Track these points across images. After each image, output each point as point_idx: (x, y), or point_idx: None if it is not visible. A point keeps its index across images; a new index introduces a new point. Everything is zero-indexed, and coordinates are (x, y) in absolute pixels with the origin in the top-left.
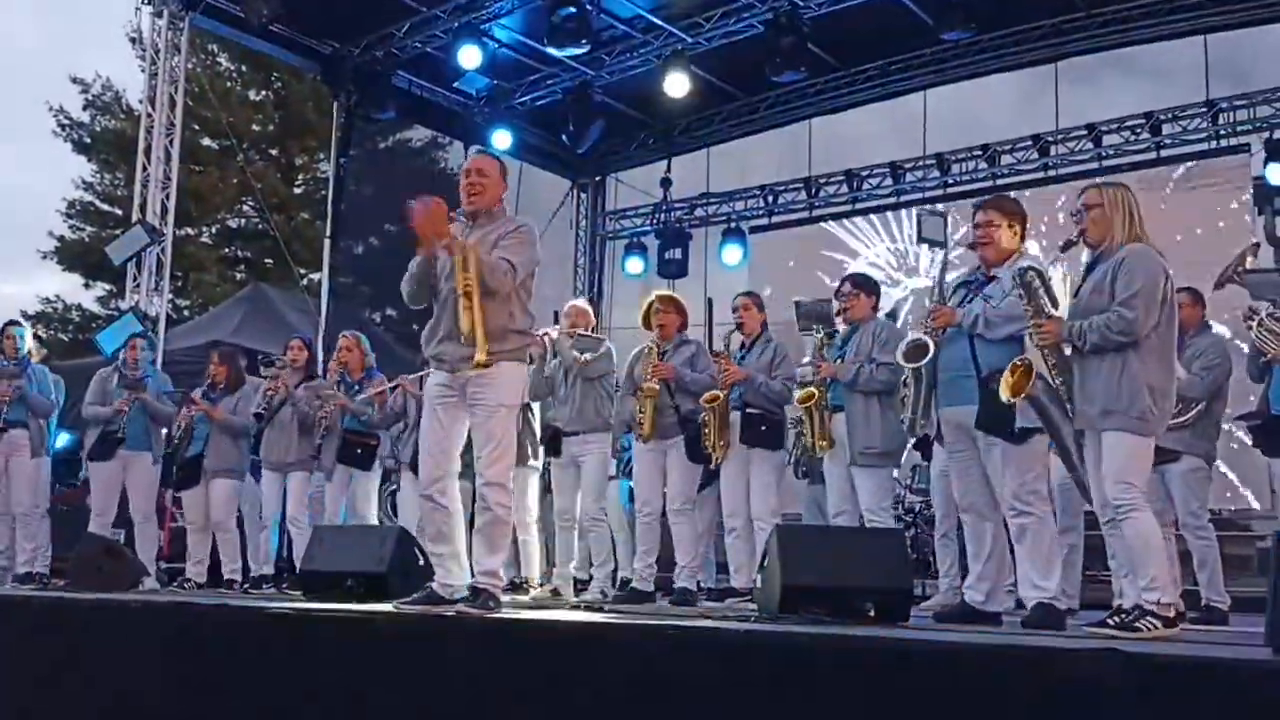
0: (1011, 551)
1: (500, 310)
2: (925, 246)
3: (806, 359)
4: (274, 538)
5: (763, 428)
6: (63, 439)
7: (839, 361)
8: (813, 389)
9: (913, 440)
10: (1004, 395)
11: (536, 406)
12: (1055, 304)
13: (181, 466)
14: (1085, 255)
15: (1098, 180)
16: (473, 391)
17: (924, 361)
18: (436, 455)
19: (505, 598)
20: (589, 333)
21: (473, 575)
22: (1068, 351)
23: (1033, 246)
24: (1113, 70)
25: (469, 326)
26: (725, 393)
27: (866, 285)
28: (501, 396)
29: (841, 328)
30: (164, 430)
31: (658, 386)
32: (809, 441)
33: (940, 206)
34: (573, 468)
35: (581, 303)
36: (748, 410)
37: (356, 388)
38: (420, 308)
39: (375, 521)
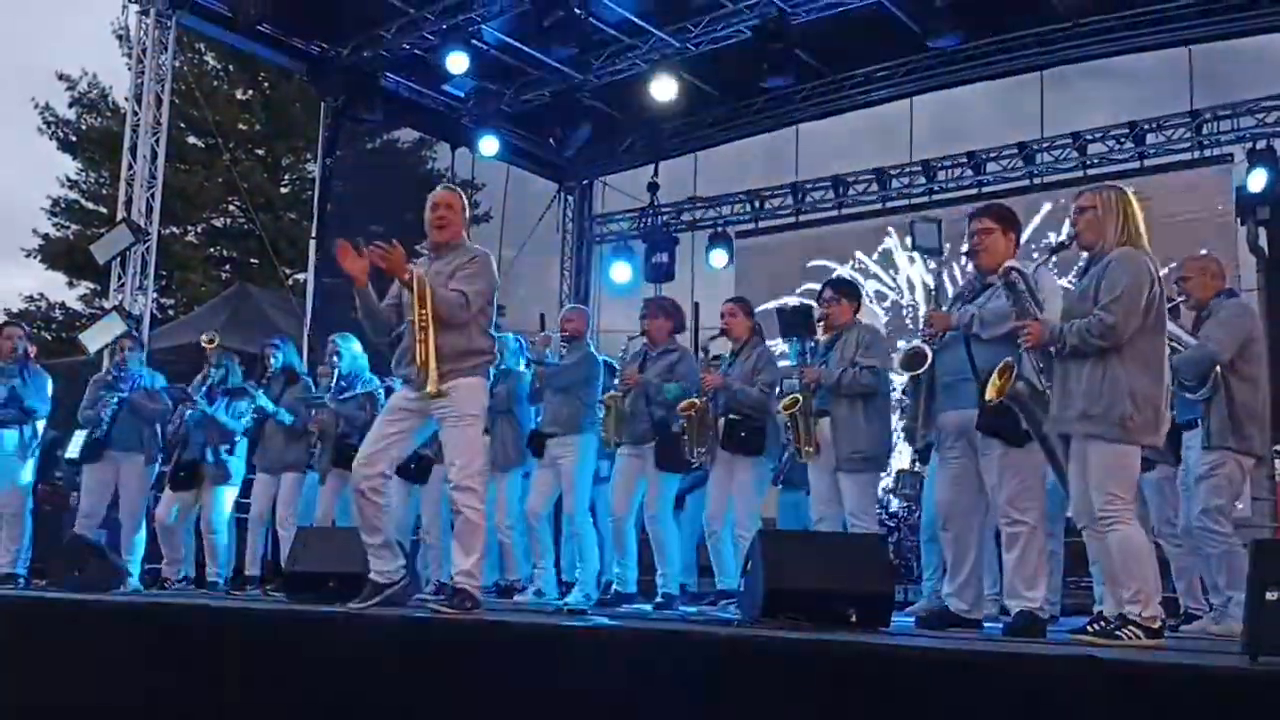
0: (998, 559)
1: (459, 336)
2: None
3: (786, 362)
4: (260, 539)
5: (743, 434)
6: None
7: (823, 366)
8: (798, 395)
9: (914, 448)
10: (988, 395)
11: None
12: (1040, 306)
13: (180, 468)
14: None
15: (1096, 185)
16: (436, 408)
17: (922, 369)
18: (372, 454)
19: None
20: (572, 338)
21: (451, 578)
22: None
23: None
24: (1097, 79)
25: (423, 359)
26: (703, 400)
27: (848, 291)
28: (463, 408)
29: (823, 335)
30: (158, 430)
31: (619, 394)
32: (795, 447)
33: (933, 213)
34: (551, 469)
35: (574, 307)
36: (729, 417)
37: (346, 389)
38: (386, 339)
39: None
